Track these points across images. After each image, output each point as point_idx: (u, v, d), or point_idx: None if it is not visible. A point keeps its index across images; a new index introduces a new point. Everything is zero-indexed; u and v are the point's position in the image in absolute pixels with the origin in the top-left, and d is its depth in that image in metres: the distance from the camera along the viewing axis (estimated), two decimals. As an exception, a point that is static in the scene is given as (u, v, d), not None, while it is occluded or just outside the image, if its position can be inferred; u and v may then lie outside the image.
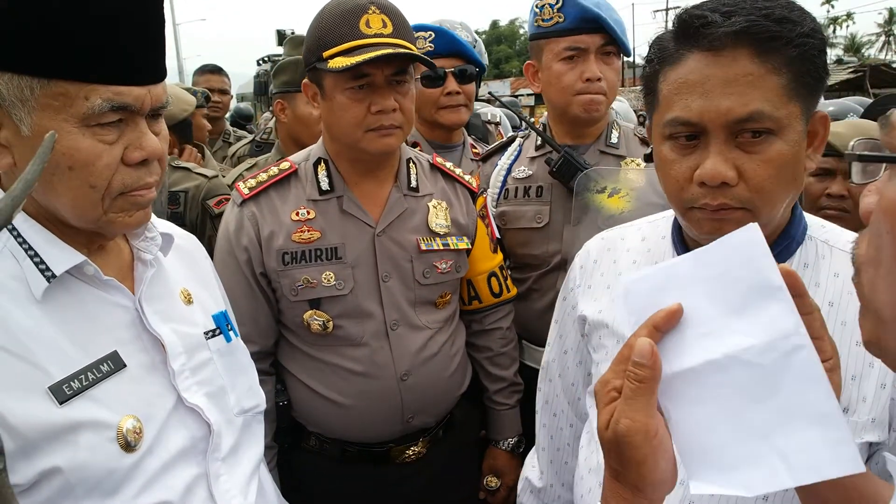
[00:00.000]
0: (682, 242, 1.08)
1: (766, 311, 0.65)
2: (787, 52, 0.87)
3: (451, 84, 2.23)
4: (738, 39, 0.87)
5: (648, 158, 1.22)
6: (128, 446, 0.92)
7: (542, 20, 1.88)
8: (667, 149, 0.96)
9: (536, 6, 1.90)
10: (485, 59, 2.92)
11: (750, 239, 0.67)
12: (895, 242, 0.48)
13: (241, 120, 7.06)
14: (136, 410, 0.95)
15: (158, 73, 0.95)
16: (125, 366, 0.96)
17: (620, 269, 1.17)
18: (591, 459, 1.13)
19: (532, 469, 1.38)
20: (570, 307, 1.25)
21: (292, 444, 1.69)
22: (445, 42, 2.22)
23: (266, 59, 12.04)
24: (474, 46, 2.72)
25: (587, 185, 1.82)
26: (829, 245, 0.99)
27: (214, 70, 4.71)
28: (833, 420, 0.62)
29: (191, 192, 2.44)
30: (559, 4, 1.83)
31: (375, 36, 1.48)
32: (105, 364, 0.94)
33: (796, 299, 0.67)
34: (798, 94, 0.88)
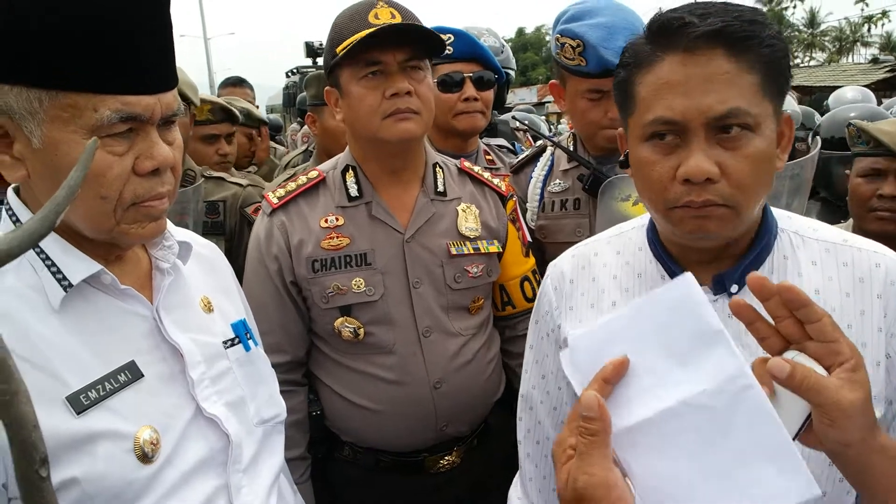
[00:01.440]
0: (665, 251, 1.07)
1: (710, 357, 0.68)
2: (759, 52, 0.90)
3: (469, 89, 2.20)
4: (713, 40, 0.90)
5: (624, 164, 1.21)
6: (145, 457, 0.91)
7: (566, 58, 1.86)
8: (647, 150, 0.97)
9: (557, 40, 1.87)
10: (513, 65, 2.91)
11: (686, 288, 0.71)
12: None
13: (272, 131, 7.15)
14: (153, 421, 0.94)
15: (168, 81, 0.93)
16: (143, 376, 0.95)
17: (602, 287, 1.15)
18: None
19: (518, 501, 1.31)
20: (549, 331, 1.21)
21: (326, 455, 1.68)
22: (465, 46, 2.20)
23: (295, 70, 12.27)
24: (501, 53, 2.70)
25: (612, 194, 1.79)
26: (799, 235, 1.03)
27: (237, 83, 4.72)
28: (785, 452, 0.66)
29: (229, 200, 2.48)
30: (580, 49, 1.80)
31: (384, 25, 1.48)
32: (122, 374, 0.93)
33: (802, 310, 0.70)
34: (769, 92, 0.92)
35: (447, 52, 2.13)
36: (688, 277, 0.71)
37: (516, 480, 1.34)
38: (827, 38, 60.03)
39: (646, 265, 1.10)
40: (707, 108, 0.90)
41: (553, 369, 1.21)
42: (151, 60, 0.90)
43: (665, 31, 0.94)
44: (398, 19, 1.50)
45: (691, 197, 0.93)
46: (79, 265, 0.92)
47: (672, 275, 1.05)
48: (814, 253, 1.01)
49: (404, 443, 1.61)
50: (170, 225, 1.05)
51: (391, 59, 1.49)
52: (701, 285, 0.99)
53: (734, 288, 1.01)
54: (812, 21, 60.32)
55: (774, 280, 0.94)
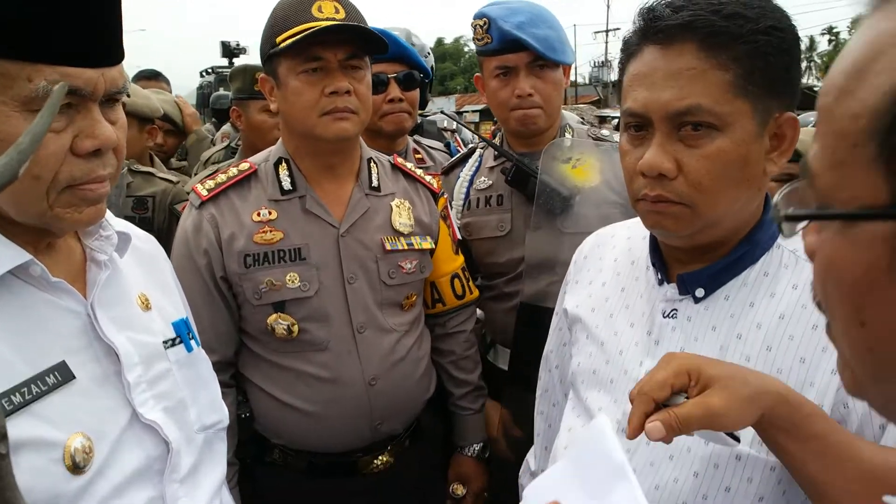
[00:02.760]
0: (656, 244, 1.08)
1: (616, 492, 0.71)
2: (735, 48, 0.87)
3: (394, 90, 2.20)
4: (686, 33, 0.88)
5: None
6: (76, 468, 0.83)
7: (477, 39, 1.94)
8: (623, 140, 0.98)
9: (472, 25, 1.95)
10: (432, 66, 2.93)
11: (600, 428, 0.74)
12: (842, 301, 0.46)
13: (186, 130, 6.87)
14: (85, 427, 0.86)
15: (114, 55, 0.86)
16: (74, 378, 0.87)
17: (601, 267, 1.19)
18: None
19: (530, 453, 1.38)
20: (562, 301, 1.26)
21: (254, 459, 1.62)
22: (388, 45, 2.21)
23: (209, 70, 11.87)
24: (427, 55, 2.72)
25: (554, 154, 1.83)
26: (795, 255, 0.97)
27: (150, 76, 4.49)
28: None
29: (158, 196, 2.40)
30: (486, 26, 1.88)
31: (327, 19, 1.46)
32: (51, 375, 0.84)
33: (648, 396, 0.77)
34: (747, 91, 0.88)
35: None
36: (601, 420, 0.75)
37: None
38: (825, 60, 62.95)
39: (640, 254, 1.11)
40: (666, 103, 0.89)
41: (567, 339, 1.22)
42: (96, 30, 0.83)
43: (644, 20, 0.93)
44: (342, 14, 1.48)
45: (646, 190, 0.93)
46: (5, 254, 0.84)
47: (654, 267, 1.06)
48: (801, 277, 0.95)
49: (339, 443, 1.58)
50: (108, 214, 0.97)
51: (332, 57, 1.47)
52: (668, 283, 1.02)
53: (700, 291, 0.99)
54: (811, 46, 63.16)
55: (745, 293, 0.96)
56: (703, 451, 0.92)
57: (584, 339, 1.14)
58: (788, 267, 0.97)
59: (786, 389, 0.77)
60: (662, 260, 1.05)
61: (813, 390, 0.88)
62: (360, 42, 1.50)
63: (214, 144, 4.68)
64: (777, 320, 0.94)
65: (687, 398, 0.77)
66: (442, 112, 3.90)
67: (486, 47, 1.89)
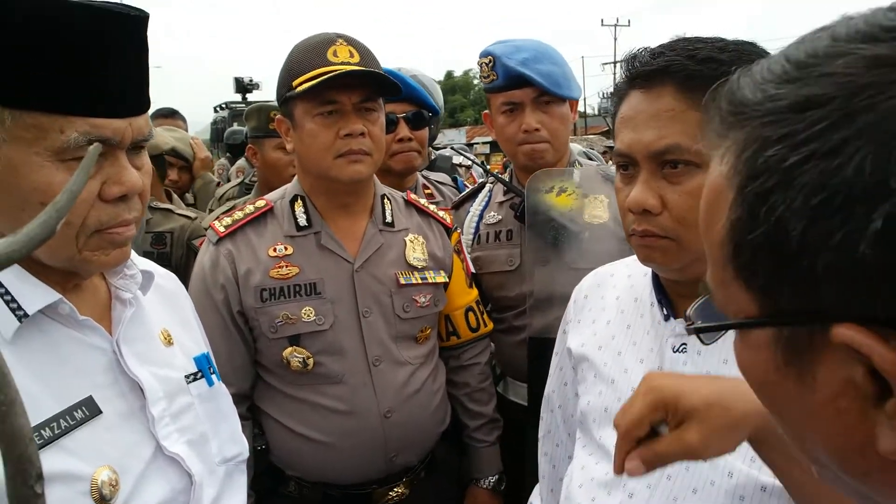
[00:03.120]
0: (658, 280, 1.10)
1: None
2: (707, 89, 0.92)
3: (403, 130, 2.25)
4: (664, 77, 0.94)
5: None
6: (103, 500, 0.85)
7: (483, 77, 2.01)
8: (617, 179, 1.03)
9: (478, 63, 2.02)
10: (441, 104, 2.99)
11: None
12: (761, 399, 0.50)
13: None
14: (111, 461, 0.88)
15: (141, 105, 0.91)
16: (101, 412, 0.90)
17: (604, 305, 1.20)
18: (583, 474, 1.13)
19: (535, 496, 1.38)
20: (565, 340, 1.27)
21: (270, 491, 1.63)
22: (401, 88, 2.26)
23: (223, 106, 12.09)
24: (431, 94, 2.79)
25: (537, 187, 1.86)
26: None
27: (167, 114, 4.61)
28: None
29: (176, 232, 2.46)
30: (491, 64, 1.94)
31: (343, 64, 1.51)
32: (79, 410, 0.87)
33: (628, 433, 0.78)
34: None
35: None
36: None
37: (536, 488, 1.38)
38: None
39: (643, 290, 1.13)
40: (648, 144, 0.94)
41: (569, 379, 1.24)
42: (124, 83, 0.87)
43: (627, 67, 0.99)
44: (356, 58, 1.53)
45: (634, 226, 0.98)
46: (35, 293, 0.87)
47: (659, 303, 1.08)
48: None
49: (354, 474, 1.59)
50: (132, 253, 1.01)
51: (346, 100, 1.51)
52: (675, 318, 1.04)
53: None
54: None
55: None
56: (727, 484, 0.92)
57: (591, 377, 1.15)
58: None
59: None
60: (667, 296, 1.07)
61: None
62: (375, 85, 1.55)
63: (230, 180, 4.76)
64: None
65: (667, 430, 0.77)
66: (452, 148, 3.95)
67: (492, 84, 1.95)
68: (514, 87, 1.90)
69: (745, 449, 0.92)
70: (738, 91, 0.45)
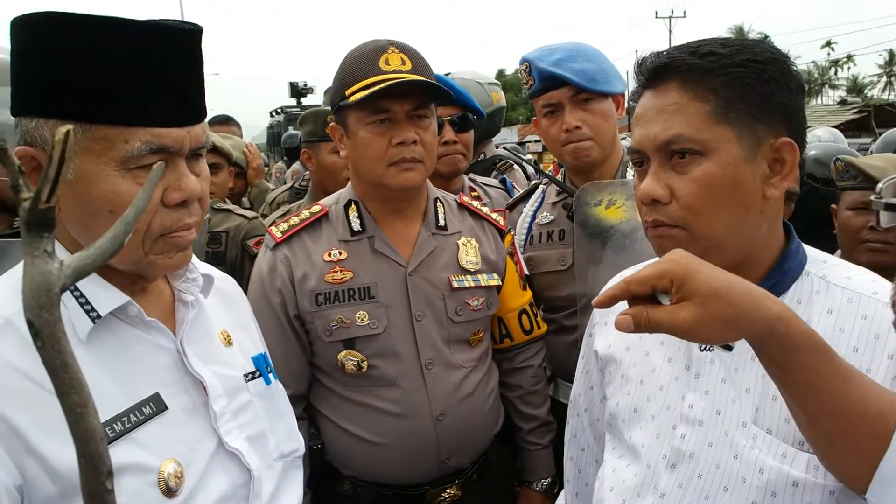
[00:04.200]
0: None
1: None
2: (711, 81, 0.95)
3: (448, 133, 2.27)
4: (668, 73, 0.98)
5: None
6: (169, 491, 0.90)
7: (524, 84, 2.04)
8: (635, 176, 1.06)
9: (517, 72, 2.06)
10: (498, 104, 2.99)
11: None
12: None
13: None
14: (177, 454, 0.93)
15: (198, 114, 0.95)
16: (167, 408, 0.95)
17: None
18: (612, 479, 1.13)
19: (561, 500, 1.39)
20: (591, 343, 1.27)
21: (326, 490, 1.67)
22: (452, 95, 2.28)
23: (279, 110, 12.42)
24: (486, 91, 2.79)
25: (584, 200, 1.86)
26: (825, 281, 0.99)
27: (223, 121, 4.78)
28: None
29: (231, 232, 2.51)
30: (528, 69, 1.98)
31: (395, 72, 1.52)
32: (147, 406, 0.92)
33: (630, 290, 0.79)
34: (729, 118, 0.95)
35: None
36: None
37: (562, 493, 1.39)
38: (797, 82, 61.85)
39: None
40: (654, 136, 0.98)
41: (596, 382, 1.24)
42: (182, 94, 0.92)
43: (637, 70, 1.04)
44: (408, 65, 1.54)
45: (646, 217, 1.01)
46: (107, 296, 0.93)
47: None
48: (834, 301, 0.98)
49: (407, 475, 1.61)
50: (194, 258, 1.05)
51: (399, 109, 1.53)
52: None
53: None
54: None
55: None
56: (759, 480, 0.92)
57: (619, 378, 1.15)
58: (820, 293, 0.99)
59: (776, 319, 0.76)
60: None
61: None
62: (427, 92, 1.56)
63: (286, 182, 4.87)
64: None
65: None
66: (504, 148, 3.96)
67: (532, 89, 1.98)
68: (551, 88, 1.92)
69: (776, 445, 0.92)
70: None
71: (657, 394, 1.07)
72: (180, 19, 0.95)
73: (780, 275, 1.00)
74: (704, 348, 1.03)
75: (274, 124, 11.87)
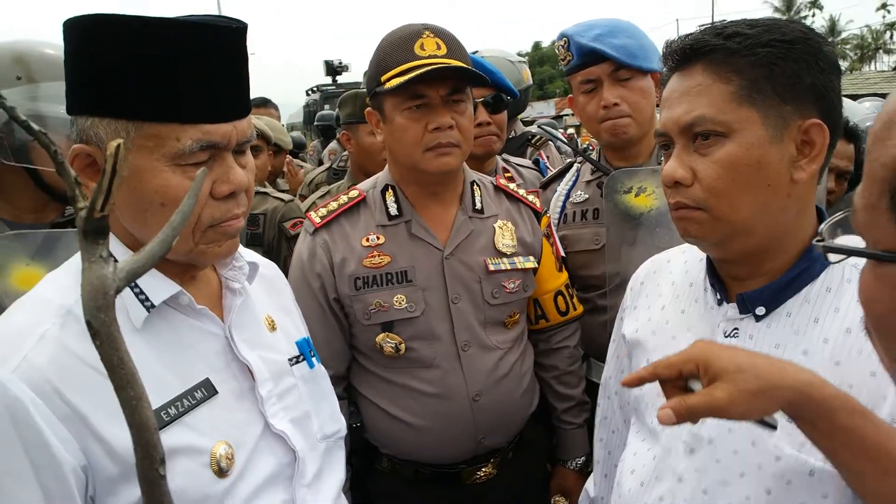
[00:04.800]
0: (710, 262, 1.10)
1: None
2: (736, 62, 0.94)
3: (482, 114, 2.27)
4: (694, 56, 0.98)
5: None
6: (221, 472, 0.94)
7: (561, 60, 2.02)
8: (663, 161, 1.06)
9: (555, 48, 2.04)
10: (528, 81, 2.96)
11: None
12: (874, 330, 0.49)
13: (295, 148, 7.28)
14: (227, 436, 0.97)
15: (243, 109, 0.98)
16: (217, 392, 0.99)
17: (661, 291, 1.20)
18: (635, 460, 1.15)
19: (591, 481, 1.41)
20: (621, 327, 1.29)
21: (365, 467, 1.72)
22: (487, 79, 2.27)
23: (315, 89, 12.49)
24: (517, 70, 2.77)
25: (614, 187, 1.84)
26: (857, 269, 0.98)
27: (261, 104, 4.81)
28: None
29: (269, 213, 2.56)
30: (566, 45, 1.95)
31: (430, 57, 1.52)
32: (199, 391, 0.97)
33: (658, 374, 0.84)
34: (753, 99, 0.93)
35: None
36: None
37: (591, 476, 1.42)
38: (848, 47, 59.39)
39: (698, 275, 1.13)
40: (678, 118, 0.98)
41: (626, 366, 1.25)
42: (228, 91, 0.95)
43: (664, 54, 1.04)
44: (443, 50, 1.54)
45: (670, 199, 1.02)
46: (160, 286, 0.97)
47: (713, 288, 1.08)
48: None
49: (444, 455, 1.64)
50: (240, 246, 1.09)
51: (435, 94, 1.53)
52: (728, 303, 1.04)
53: (761, 310, 1.00)
54: (833, 29, 59.78)
55: (807, 309, 0.97)
56: (774, 468, 0.93)
57: (645, 363, 1.15)
58: (851, 281, 0.97)
59: (808, 385, 0.77)
60: (721, 281, 1.07)
61: (886, 404, 0.87)
62: (462, 77, 1.56)
63: (321, 162, 4.91)
64: (844, 335, 0.94)
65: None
66: (539, 126, 3.92)
67: (569, 65, 1.96)
68: (590, 64, 1.90)
69: (795, 433, 0.91)
70: None
71: None
72: (225, 16, 0.97)
73: (809, 261, 0.99)
74: (729, 334, 1.03)
75: (310, 103, 11.95)
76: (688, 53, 0.99)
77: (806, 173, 0.95)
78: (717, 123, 0.95)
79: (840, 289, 0.97)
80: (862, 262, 0.98)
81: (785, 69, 0.93)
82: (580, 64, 1.92)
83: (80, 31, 0.90)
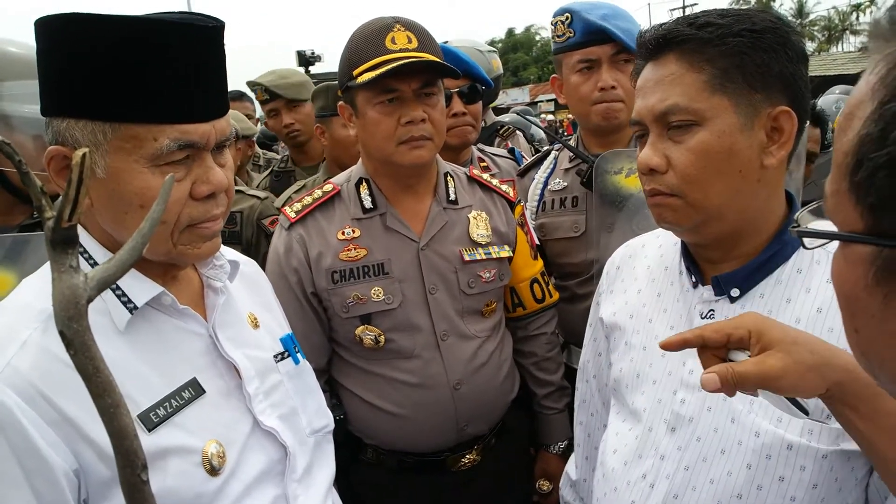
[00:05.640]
0: (686, 247, 1.12)
1: None
2: (708, 51, 0.96)
3: (457, 105, 2.28)
4: (667, 46, 1.00)
5: None
6: (213, 470, 0.95)
7: (557, 36, 1.98)
8: (639, 147, 1.08)
9: (552, 23, 1.99)
10: (498, 70, 2.97)
11: None
12: (841, 309, 0.52)
13: (268, 141, 7.17)
14: (217, 435, 0.97)
15: (222, 108, 0.98)
16: (204, 392, 0.99)
17: (636, 275, 1.23)
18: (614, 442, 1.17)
19: (571, 464, 1.44)
20: (598, 311, 1.31)
21: (350, 458, 1.73)
22: (449, 61, 2.26)
23: (288, 80, 12.27)
24: (486, 59, 2.77)
25: (605, 168, 1.85)
26: (826, 250, 1.00)
27: (236, 97, 4.73)
28: None
29: (245, 212, 2.56)
30: (568, 21, 1.92)
31: (401, 51, 1.53)
32: (187, 391, 0.97)
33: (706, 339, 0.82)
34: (725, 88, 0.96)
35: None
36: None
37: (572, 456, 1.44)
38: (816, 28, 60.19)
39: (673, 259, 1.16)
40: (652, 107, 1.00)
41: (603, 349, 1.28)
42: (207, 91, 0.94)
43: (637, 43, 1.06)
44: (414, 43, 1.54)
45: (645, 186, 1.04)
46: (142, 287, 0.96)
47: (688, 271, 1.11)
48: None
49: (427, 443, 1.66)
50: (222, 246, 1.09)
51: (406, 88, 1.54)
52: (703, 285, 1.06)
53: (735, 291, 1.03)
54: (800, 11, 60.49)
55: (780, 290, 1.00)
56: (755, 443, 0.96)
57: (623, 345, 1.19)
58: (821, 262, 1.00)
59: (855, 365, 0.76)
60: (696, 264, 1.09)
61: None
62: (433, 70, 1.57)
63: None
64: (815, 314, 0.97)
65: (749, 357, 0.79)
66: (515, 112, 3.93)
67: (568, 42, 1.93)
68: (593, 43, 1.88)
69: (772, 410, 0.95)
70: None
71: (659, 360, 1.10)
72: (201, 14, 0.95)
73: (780, 244, 1.02)
74: (705, 316, 1.06)
75: (283, 94, 11.78)
76: (661, 43, 1.00)
77: (776, 159, 0.98)
78: (689, 112, 0.97)
79: (810, 270, 1.00)
80: (835, 245, 1.02)
81: (755, 58, 0.95)
82: (582, 42, 1.90)
83: (52, 30, 0.88)
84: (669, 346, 0.84)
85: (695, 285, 1.09)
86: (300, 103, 3.16)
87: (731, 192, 0.98)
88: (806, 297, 0.99)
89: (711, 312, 1.05)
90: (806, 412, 0.79)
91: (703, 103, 0.96)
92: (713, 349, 0.82)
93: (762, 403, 0.96)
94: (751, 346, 0.79)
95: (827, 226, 0.55)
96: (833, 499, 0.93)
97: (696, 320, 1.07)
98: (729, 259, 1.04)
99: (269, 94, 3.18)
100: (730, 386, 0.77)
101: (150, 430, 0.90)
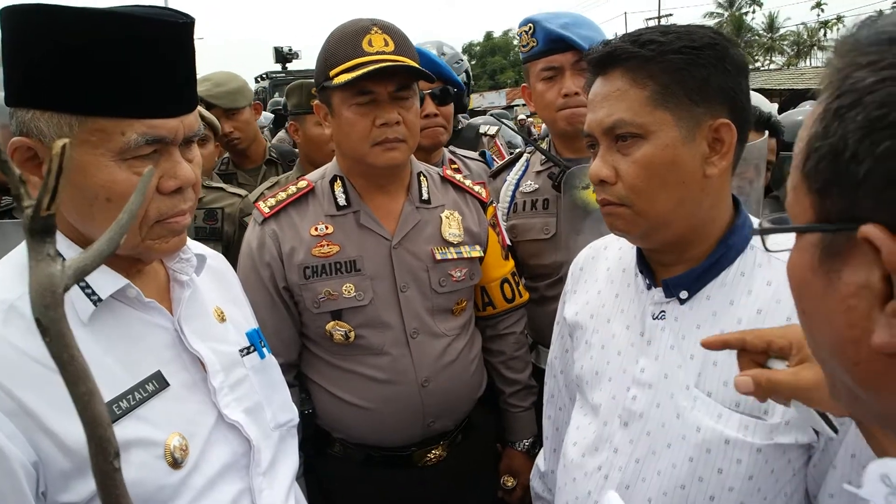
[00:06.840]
0: (640, 250, 1.17)
1: None
2: (649, 68, 1.01)
3: (429, 106, 2.31)
4: (613, 62, 1.04)
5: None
6: (175, 463, 0.95)
7: (523, 46, 2.04)
8: (591, 157, 1.12)
9: (517, 34, 2.05)
10: (467, 71, 3.00)
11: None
12: (793, 295, 0.55)
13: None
14: (180, 428, 0.97)
15: (190, 104, 0.98)
16: (168, 385, 0.99)
17: (597, 276, 1.28)
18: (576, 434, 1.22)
19: (540, 457, 1.50)
20: (563, 310, 1.36)
21: (318, 451, 1.74)
22: (423, 64, 2.29)
23: (264, 76, 12.21)
24: (460, 62, 2.80)
25: (572, 183, 1.90)
26: (768, 254, 1.04)
27: None
28: None
29: (227, 209, 2.56)
30: (531, 31, 1.98)
31: (377, 54, 1.55)
32: (150, 384, 0.97)
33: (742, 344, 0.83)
34: (666, 102, 1.01)
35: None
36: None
37: (541, 451, 1.49)
38: (786, 42, 61.49)
39: (630, 262, 1.21)
40: (600, 121, 1.05)
41: (569, 346, 1.32)
42: (175, 86, 0.94)
43: (586, 58, 1.11)
44: (391, 46, 1.56)
45: (598, 196, 1.09)
46: (106, 280, 0.96)
47: (642, 273, 1.16)
48: (774, 273, 1.03)
49: (394, 438, 1.68)
50: (188, 239, 1.09)
51: (382, 90, 1.56)
52: (655, 287, 1.12)
53: (684, 294, 1.09)
54: (771, 26, 61.77)
55: (724, 292, 1.05)
56: (696, 438, 1.01)
57: (584, 344, 1.24)
58: (762, 266, 1.06)
59: None
60: (649, 267, 1.14)
61: None
62: (409, 74, 1.58)
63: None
64: (755, 315, 1.03)
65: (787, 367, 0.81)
66: (492, 114, 3.96)
67: (532, 51, 1.98)
68: (555, 52, 1.94)
69: (713, 406, 1.01)
70: (858, 33, 0.51)
71: (615, 358, 1.16)
72: (171, 9, 0.95)
73: (725, 248, 1.07)
74: (657, 316, 1.11)
75: (259, 90, 11.72)
76: (606, 60, 1.05)
77: (717, 169, 1.03)
78: (634, 126, 1.02)
79: (752, 273, 1.06)
80: (776, 250, 1.07)
81: (694, 73, 1.00)
82: (545, 51, 1.95)
83: (17, 20, 0.87)
84: (710, 346, 0.87)
85: (648, 287, 1.14)
86: (238, 111, 3.09)
87: (675, 202, 1.03)
88: (748, 299, 1.04)
89: (662, 313, 1.10)
90: (835, 430, 0.80)
91: (647, 118, 1.01)
92: (752, 354, 0.84)
93: (704, 400, 1.02)
94: (790, 358, 0.80)
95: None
96: (769, 489, 0.99)
97: (647, 320, 1.12)
98: (679, 263, 1.10)
99: (206, 104, 3.09)
100: (762, 391, 0.79)
101: (112, 423, 0.90)
